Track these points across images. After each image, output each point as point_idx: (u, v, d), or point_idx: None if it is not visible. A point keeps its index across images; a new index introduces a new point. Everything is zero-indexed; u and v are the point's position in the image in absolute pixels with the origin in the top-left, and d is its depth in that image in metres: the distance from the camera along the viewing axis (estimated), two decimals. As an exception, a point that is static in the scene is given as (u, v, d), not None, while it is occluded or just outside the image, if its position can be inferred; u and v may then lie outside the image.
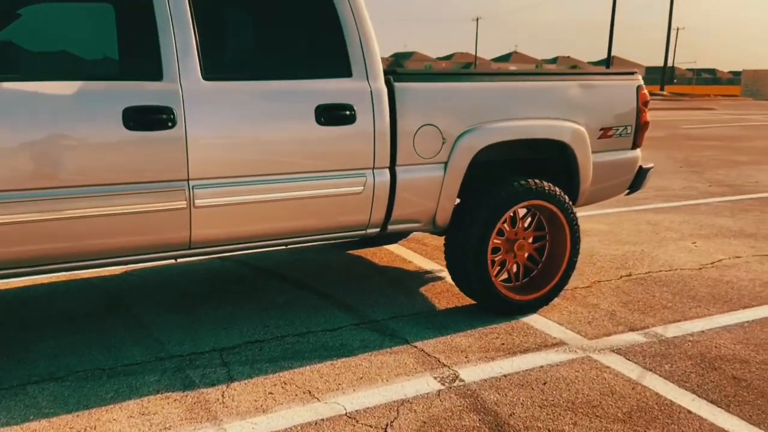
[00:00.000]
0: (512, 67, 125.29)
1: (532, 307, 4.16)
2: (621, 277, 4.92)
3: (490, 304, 4.07)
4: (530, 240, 4.20)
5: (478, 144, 3.83)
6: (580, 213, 6.86)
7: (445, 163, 3.79)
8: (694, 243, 5.91)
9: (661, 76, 51.91)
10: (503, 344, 3.70)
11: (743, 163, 11.66)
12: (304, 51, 3.56)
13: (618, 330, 3.91)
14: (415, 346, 3.65)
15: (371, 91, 3.54)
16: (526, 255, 4.20)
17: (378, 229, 3.81)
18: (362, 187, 3.58)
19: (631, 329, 3.93)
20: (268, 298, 4.39)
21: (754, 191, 8.64)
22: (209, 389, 3.14)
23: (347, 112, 3.48)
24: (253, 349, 3.60)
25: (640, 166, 4.61)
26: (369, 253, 5.54)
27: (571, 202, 4.15)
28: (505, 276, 4.19)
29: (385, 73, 3.66)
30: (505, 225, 4.06)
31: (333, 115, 3.45)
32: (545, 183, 4.02)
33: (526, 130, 3.96)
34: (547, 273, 4.24)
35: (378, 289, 4.60)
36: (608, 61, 33.63)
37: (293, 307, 4.21)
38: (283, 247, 3.67)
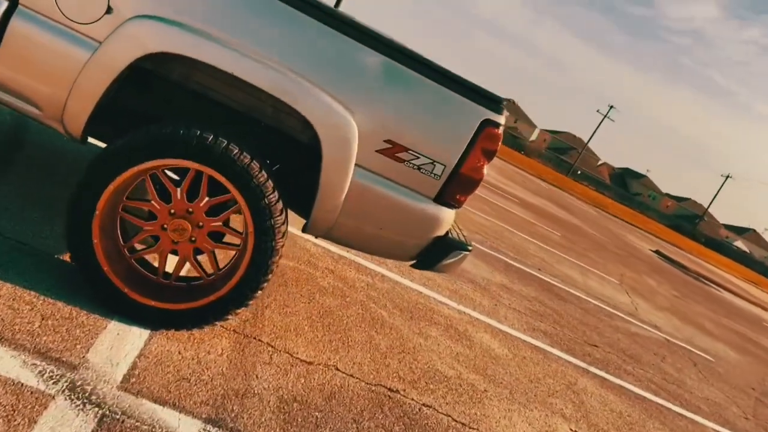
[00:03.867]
0: (739, 242, 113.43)
1: (148, 318, 2.74)
2: (376, 385, 3.27)
3: (85, 276, 2.70)
4: (207, 231, 2.76)
5: (156, 43, 2.52)
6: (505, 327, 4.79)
7: (99, 44, 2.51)
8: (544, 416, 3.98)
9: None
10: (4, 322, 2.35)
11: None
12: None
13: (160, 397, 2.39)
14: None
15: None
16: (191, 250, 2.78)
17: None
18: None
19: (161, 402, 2.38)
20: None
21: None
22: None
23: None
24: None
25: (447, 236, 2.96)
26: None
27: (279, 208, 2.67)
28: (154, 259, 2.82)
29: None
30: (180, 191, 2.68)
31: None
32: (240, 153, 2.58)
33: (242, 65, 2.56)
34: (209, 291, 2.79)
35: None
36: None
37: None
38: None
